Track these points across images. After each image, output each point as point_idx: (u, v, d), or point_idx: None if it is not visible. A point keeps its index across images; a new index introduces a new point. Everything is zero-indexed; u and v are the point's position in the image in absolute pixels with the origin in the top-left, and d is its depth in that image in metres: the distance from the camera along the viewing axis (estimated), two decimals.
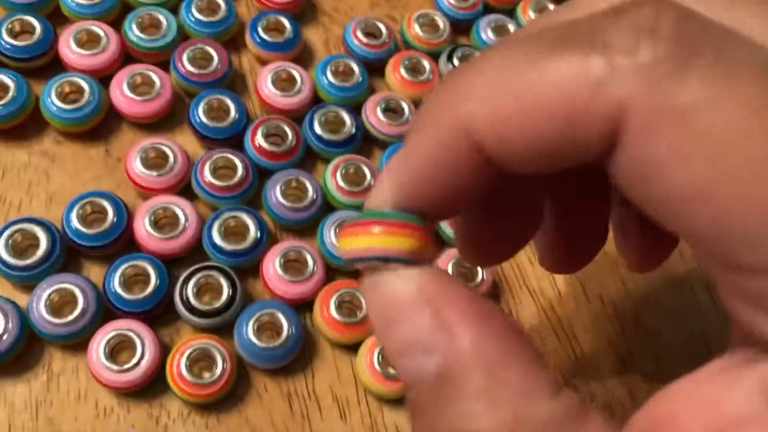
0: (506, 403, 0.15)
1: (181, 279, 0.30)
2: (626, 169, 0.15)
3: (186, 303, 0.29)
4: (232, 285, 0.30)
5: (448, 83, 0.17)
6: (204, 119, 0.33)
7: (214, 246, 0.31)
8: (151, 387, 0.29)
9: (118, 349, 0.29)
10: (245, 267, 0.31)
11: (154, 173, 0.32)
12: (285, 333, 0.29)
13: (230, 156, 0.32)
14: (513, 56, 0.16)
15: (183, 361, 0.28)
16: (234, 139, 0.34)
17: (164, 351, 0.29)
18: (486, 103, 0.15)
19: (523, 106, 0.15)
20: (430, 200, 0.17)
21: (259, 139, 0.33)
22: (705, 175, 0.14)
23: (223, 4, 0.37)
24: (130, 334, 0.28)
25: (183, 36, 0.36)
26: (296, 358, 0.30)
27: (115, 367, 0.28)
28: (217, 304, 0.30)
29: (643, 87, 0.14)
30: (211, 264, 0.30)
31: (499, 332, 0.16)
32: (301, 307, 0.31)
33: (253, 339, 0.29)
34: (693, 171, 0.14)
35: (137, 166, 0.32)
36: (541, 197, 0.23)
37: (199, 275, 0.30)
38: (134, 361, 0.28)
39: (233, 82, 0.36)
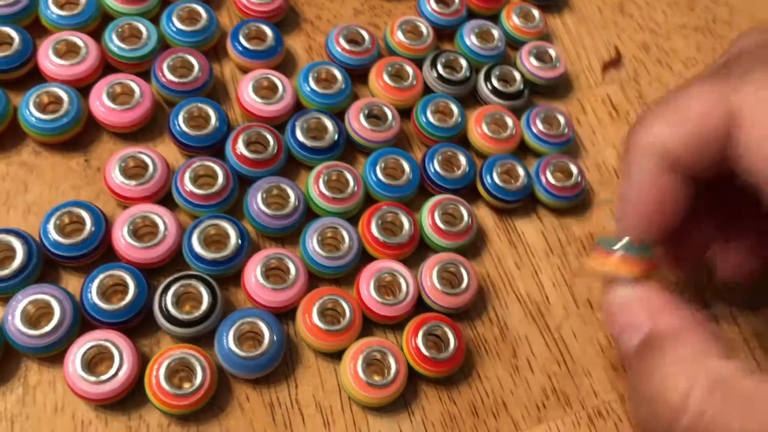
0: (690, 363, 0.23)
1: (160, 288, 0.29)
2: (744, 153, 0.24)
3: (165, 312, 0.29)
4: (213, 294, 0.29)
5: (640, 123, 0.26)
6: (184, 128, 0.33)
7: (194, 254, 0.30)
8: (130, 399, 0.28)
9: (96, 361, 0.28)
10: (226, 275, 0.31)
11: (133, 182, 0.31)
12: (266, 341, 0.29)
13: (210, 164, 0.32)
14: (677, 95, 0.26)
15: (162, 371, 0.28)
16: (215, 148, 0.33)
17: (143, 362, 0.29)
18: (670, 126, 0.25)
19: (694, 120, 0.25)
20: (650, 227, 0.26)
21: (241, 147, 0.33)
22: None
23: (204, 13, 0.36)
24: (108, 344, 0.28)
25: (164, 45, 0.36)
26: (279, 366, 0.30)
27: (92, 379, 0.27)
28: (197, 313, 0.29)
29: (749, 96, 0.24)
30: (190, 273, 0.30)
31: (686, 319, 0.24)
32: (284, 315, 0.31)
33: (234, 348, 0.28)
34: None
35: (116, 176, 0.31)
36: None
37: (178, 284, 0.29)
38: (112, 372, 0.27)
39: (215, 91, 0.36)
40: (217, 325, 0.29)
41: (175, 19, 0.36)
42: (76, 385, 0.27)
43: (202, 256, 0.30)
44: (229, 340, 0.29)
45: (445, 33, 0.41)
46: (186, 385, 0.28)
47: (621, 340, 0.26)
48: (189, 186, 0.31)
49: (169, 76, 0.34)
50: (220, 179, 0.32)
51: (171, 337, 0.30)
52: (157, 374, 0.28)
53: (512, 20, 0.41)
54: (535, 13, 0.41)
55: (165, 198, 0.32)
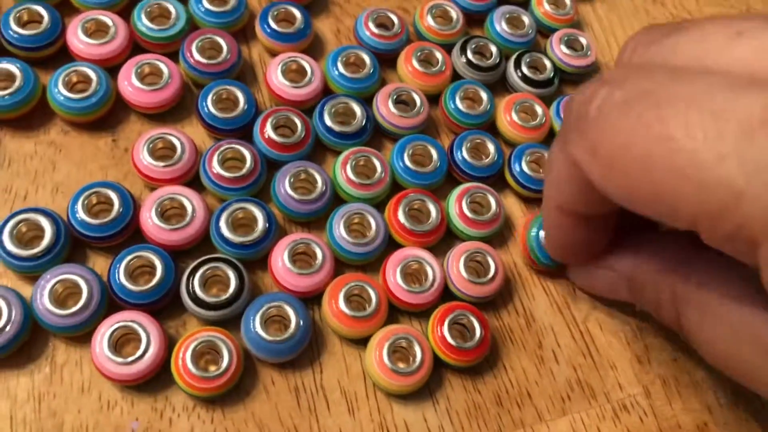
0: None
1: (188, 271, 0.29)
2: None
3: (192, 295, 0.29)
4: (240, 277, 0.29)
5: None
6: (212, 110, 0.33)
7: (222, 237, 0.30)
8: (156, 380, 0.28)
9: (123, 342, 0.28)
10: (253, 259, 0.31)
11: (162, 164, 0.31)
12: (293, 326, 0.29)
13: (239, 147, 0.32)
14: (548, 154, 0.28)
15: (188, 353, 0.28)
16: (243, 131, 0.33)
17: (170, 343, 0.29)
18: (550, 184, 0.27)
19: (557, 178, 0.27)
20: (569, 259, 0.32)
21: (269, 131, 0.33)
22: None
23: None
24: (135, 325, 0.28)
25: (192, 26, 0.36)
26: (304, 352, 0.30)
27: (119, 360, 0.27)
28: (224, 296, 0.29)
29: (577, 144, 0.24)
30: (218, 256, 0.30)
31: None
32: (310, 300, 0.31)
33: (261, 332, 0.28)
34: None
35: (144, 157, 0.31)
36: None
37: (206, 267, 0.29)
38: (139, 353, 0.27)
39: (243, 73, 0.36)
40: (244, 309, 0.29)
41: (204, 0, 0.36)
42: (102, 365, 0.27)
43: (230, 239, 0.30)
44: (256, 324, 0.28)
45: (475, 18, 0.40)
46: (212, 368, 0.28)
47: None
48: (217, 168, 0.31)
49: (198, 57, 0.34)
50: (248, 162, 0.32)
51: (197, 319, 0.30)
52: (184, 356, 0.28)
53: (543, 7, 0.40)
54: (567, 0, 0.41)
55: (192, 180, 0.32)
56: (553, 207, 0.27)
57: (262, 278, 0.31)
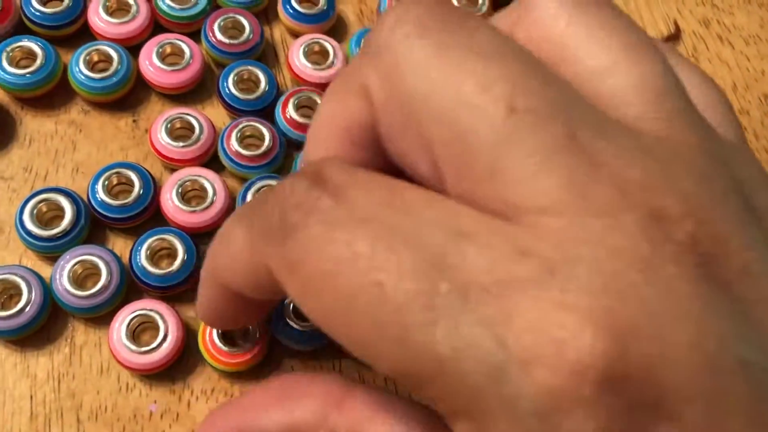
0: None
1: None
2: None
3: None
4: None
5: None
6: (234, 91, 0.32)
7: None
8: (175, 364, 0.28)
9: (140, 330, 0.28)
10: None
11: (180, 144, 0.31)
12: None
13: (257, 124, 0.32)
14: None
15: (215, 331, 0.27)
16: (264, 112, 0.33)
17: (188, 332, 0.28)
18: None
19: None
20: None
21: (291, 111, 0.32)
22: None
23: None
24: (153, 314, 0.28)
25: (214, 6, 0.35)
26: (326, 339, 0.29)
27: (135, 348, 0.27)
28: None
29: None
30: None
31: None
32: None
33: (288, 320, 0.28)
34: None
35: (162, 137, 0.31)
36: None
37: None
38: (156, 343, 0.27)
39: (265, 54, 0.36)
40: None
41: None
42: (119, 353, 0.27)
43: None
44: (282, 308, 0.28)
45: (502, 4, 0.39)
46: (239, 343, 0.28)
47: None
48: (235, 146, 0.31)
49: (220, 37, 0.33)
50: (267, 140, 0.31)
51: None
52: (211, 333, 0.28)
53: None
54: None
55: (211, 160, 0.32)
56: (218, 284, 0.22)
57: None
